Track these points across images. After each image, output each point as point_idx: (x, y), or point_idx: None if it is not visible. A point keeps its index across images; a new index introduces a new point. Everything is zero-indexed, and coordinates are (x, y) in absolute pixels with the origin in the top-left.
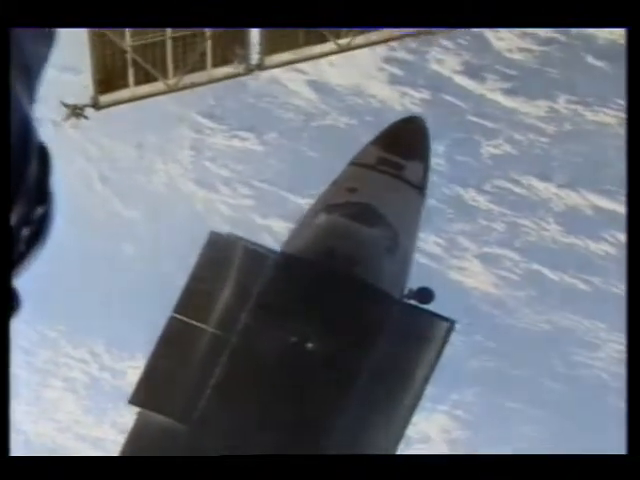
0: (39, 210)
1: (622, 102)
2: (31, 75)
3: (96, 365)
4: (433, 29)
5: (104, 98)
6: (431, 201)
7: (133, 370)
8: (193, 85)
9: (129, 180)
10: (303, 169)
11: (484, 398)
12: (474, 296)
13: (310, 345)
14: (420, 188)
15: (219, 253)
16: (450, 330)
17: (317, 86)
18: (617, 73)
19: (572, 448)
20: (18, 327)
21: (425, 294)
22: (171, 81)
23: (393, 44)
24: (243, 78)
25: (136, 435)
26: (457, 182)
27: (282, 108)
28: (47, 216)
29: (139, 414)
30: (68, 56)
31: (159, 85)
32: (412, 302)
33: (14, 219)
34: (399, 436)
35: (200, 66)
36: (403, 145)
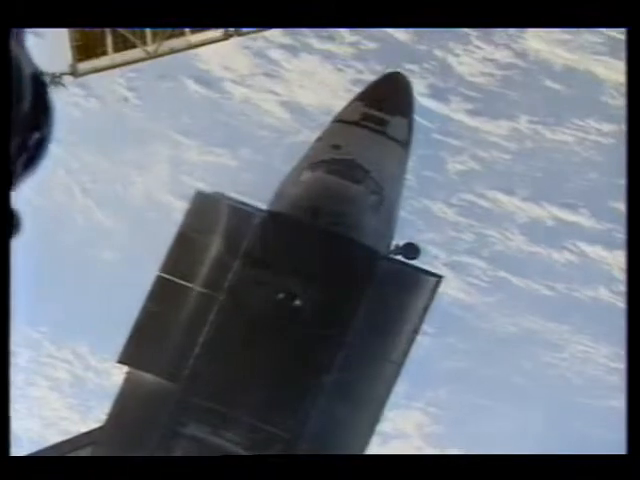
0: (35, 136)
1: (579, 122)
2: None
3: (80, 365)
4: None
5: (82, 66)
6: (401, 213)
7: (116, 370)
8: (172, 51)
9: (109, 192)
10: (277, 182)
11: (457, 395)
12: (445, 301)
13: (297, 302)
14: (404, 143)
15: (205, 212)
16: (437, 285)
17: (289, 106)
18: (573, 95)
19: (539, 440)
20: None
21: (411, 249)
22: (150, 48)
23: (360, 67)
24: (216, 97)
25: (125, 395)
26: (425, 196)
27: (255, 126)
28: (43, 141)
29: (127, 374)
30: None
31: (138, 52)
32: (398, 258)
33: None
34: (387, 393)
35: (179, 32)
36: (386, 101)
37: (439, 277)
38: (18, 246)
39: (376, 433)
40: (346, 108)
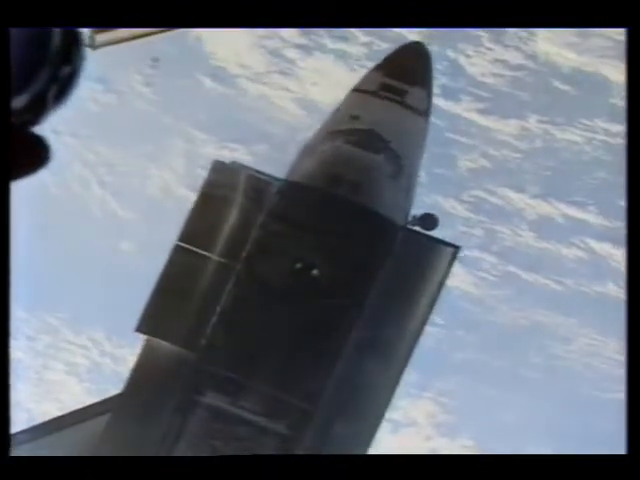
0: (66, 69)
1: (588, 122)
2: None
3: (97, 351)
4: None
5: (101, 37)
6: (412, 210)
7: (133, 357)
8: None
9: (125, 184)
10: None
11: (467, 386)
12: (455, 295)
13: (315, 272)
14: (424, 114)
15: (223, 181)
16: (455, 255)
17: (303, 103)
18: (582, 96)
19: (547, 431)
20: (20, 314)
21: (429, 220)
22: None
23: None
24: (231, 93)
25: (143, 363)
26: (437, 192)
27: (269, 122)
28: (73, 74)
29: (146, 342)
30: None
31: None
32: (416, 228)
33: (41, 82)
34: (402, 367)
35: None
36: (405, 71)
37: (456, 247)
38: (37, 236)
39: (387, 420)
40: (365, 78)
